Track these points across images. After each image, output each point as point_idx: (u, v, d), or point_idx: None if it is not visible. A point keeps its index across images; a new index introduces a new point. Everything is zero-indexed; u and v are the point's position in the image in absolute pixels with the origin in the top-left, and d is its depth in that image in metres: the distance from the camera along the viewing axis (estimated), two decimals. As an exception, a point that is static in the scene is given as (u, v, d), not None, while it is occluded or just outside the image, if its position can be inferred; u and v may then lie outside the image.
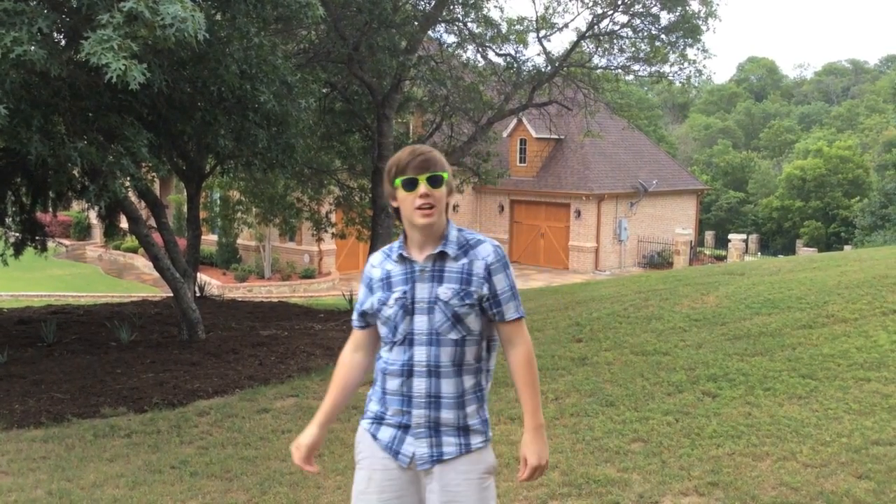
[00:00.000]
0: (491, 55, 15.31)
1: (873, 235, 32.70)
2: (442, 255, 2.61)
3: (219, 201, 21.98)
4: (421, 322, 2.59)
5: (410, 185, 2.57)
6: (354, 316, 2.78)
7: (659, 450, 5.12)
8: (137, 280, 25.59)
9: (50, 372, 7.92)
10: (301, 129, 9.29)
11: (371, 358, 2.80)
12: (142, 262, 26.61)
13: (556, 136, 27.92)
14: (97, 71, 5.35)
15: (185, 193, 11.00)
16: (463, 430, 2.61)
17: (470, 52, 15.43)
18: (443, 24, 14.24)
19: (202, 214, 14.57)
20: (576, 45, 15.43)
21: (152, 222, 10.52)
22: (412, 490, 2.65)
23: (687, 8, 14.45)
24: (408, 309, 2.59)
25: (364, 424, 2.72)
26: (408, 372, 2.60)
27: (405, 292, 2.60)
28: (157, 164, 9.33)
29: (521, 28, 15.27)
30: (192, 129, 8.27)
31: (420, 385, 2.59)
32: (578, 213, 28.21)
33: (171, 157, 10.10)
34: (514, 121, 28.29)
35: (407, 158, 2.58)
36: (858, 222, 36.29)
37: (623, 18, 15.11)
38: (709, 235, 38.84)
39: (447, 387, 2.59)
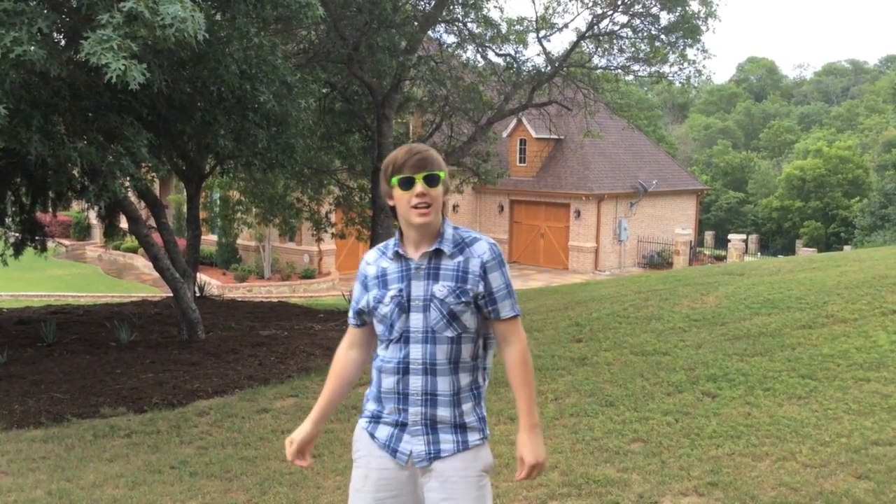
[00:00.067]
0: (491, 55, 15.34)
1: (873, 236, 32.71)
2: (438, 253, 2.61)
3: (219, 201, 21.99)
4: (417, 320, 2.59)
5: (407, 183, 2.57)
6: (350, 313, 2.78)
7: (658, 450, 5.12)
8: (137, 280, 25.58)
9: (50, 372, 7.92)
10: (301, 129, 9.30)
11: (367, 355, 2.81)
12: (141, 263, 26.61)
13: (556, 137, 27.93)
14: (97, 71, 5.35)
15: (185, 193, 10.99)
16: (460, 427, 2.62)
17: (470, 53, 15.46)
18: (443, 25, 14.25)
19: (202, 214, 14.56)
20: (575, 45, 15.43)
21: (152, 222, 10.52)
22: (409, 489, 2.65)
23: (687, 8, 14.46)
24: (403, 307, 2.59)
25: (361, 423, 2.73)
26: (403, 369, 2.60)
27: (401, 290, 2.60)
28: (156, 164, 9.34)
29: (521, 28, 15.28)
30: (191, 129, 8.27)
31: (416, 383, 2.59)
32: (578, 214, 28.22)
33: (171, 157, 10.11)
34: (514, 121, 28.29)
35: (403, 157, 2.58)
36: (858, 222, 36.32)
37: (623, 19, 15.15)
38: (708, 235, 38.86)
39: (443, 384, 2.59)
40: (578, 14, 23.55)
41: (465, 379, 2.63)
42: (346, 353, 2.80)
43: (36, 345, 9.45)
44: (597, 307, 10.02)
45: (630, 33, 15.33)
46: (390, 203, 2.66)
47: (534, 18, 15.46)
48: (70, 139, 6.93)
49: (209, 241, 25.24)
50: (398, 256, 2.64)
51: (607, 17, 15.13)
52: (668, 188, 30.67)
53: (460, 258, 2.61)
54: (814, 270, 10.40)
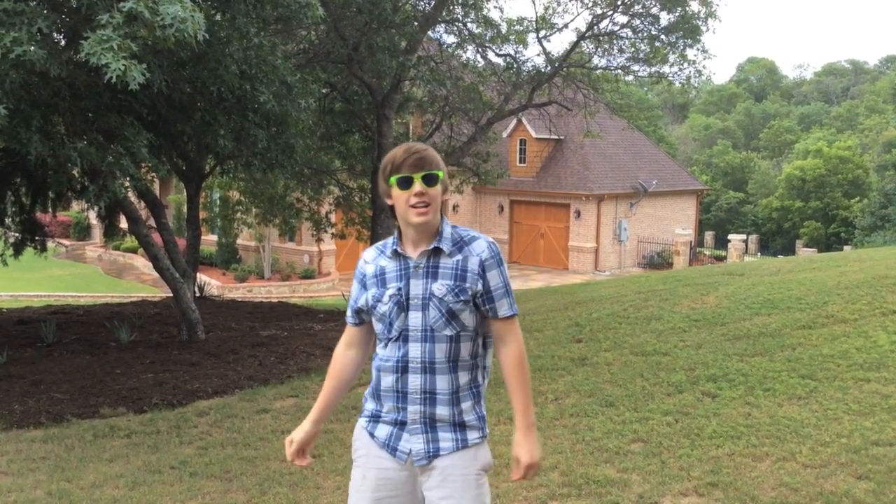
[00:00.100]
0: (491, 55, 15.33)
1: (873, 236, 32.71)
2: (436, 252, 2.61)
3: (218, 201, 21.99)
4: (415, 318, 2.59)
5: (405, 183, 2.56)
6: (349, 312, 2.78)
7: (658, 450, 5.12)
8: (137, 280, 25.58)
9: (49, 372, 7.92)
10: (301, 129, 9.30)
11: (365, 354, 2.81)
12: (141, 263, 26.61)
13: (556, 137, 27.93)
14: (97, 71, 5.35)
15: (185, 193, 11.00)
16: (459, 425, 2.61)
17: (470, 53, 15.46)
18: (443, 25, 14.24)
19: (202, 214, 14.56)
20: (575, 45, 15.44)
21: (152, 222, 10.52)
22: (408, 489, 2.65)
23: (687, 8, 14.45)
24: (402, 305, 2.59)
25: (361, 422, 2.73)
26: (402, 368, 2.60)
27: (399, 289, 2.60)
28: (156, 165, 9.34)
29: (521, 28, 15.28)
30: (191, 129, 8.27)
31: (415, 381, 2.59)
32: (578, 214, 28.22)
33: (171, 158, 10.11)
34: (514, 121, 28.29)
35: (402, 156, 2.57)
36: (858, 223, 36.33)
37: (623, 19, 15.14)
38: (708, 236, 38.86)
39: (442, 383, 2.59)
40: (578, 14, 23.52)
41: (464, 377, 2.62)
42: (344, 353, 2.80)
43: (36, 345, 9.44)
44: (597, 307, 10.02)
45: (630, 33, 15.34)
46: (389, 202, 2.65)
47: (534, 18, 15.47)
48: (70, 139, 6.93)
49: (209, 241, 25.23)
50: (397, 255, 2.64)
51: (607, 17, 15.14)
52: (668, 188, 30.67)
53: (459, 257, 2.60)
54: (814, 271, 10.40)
